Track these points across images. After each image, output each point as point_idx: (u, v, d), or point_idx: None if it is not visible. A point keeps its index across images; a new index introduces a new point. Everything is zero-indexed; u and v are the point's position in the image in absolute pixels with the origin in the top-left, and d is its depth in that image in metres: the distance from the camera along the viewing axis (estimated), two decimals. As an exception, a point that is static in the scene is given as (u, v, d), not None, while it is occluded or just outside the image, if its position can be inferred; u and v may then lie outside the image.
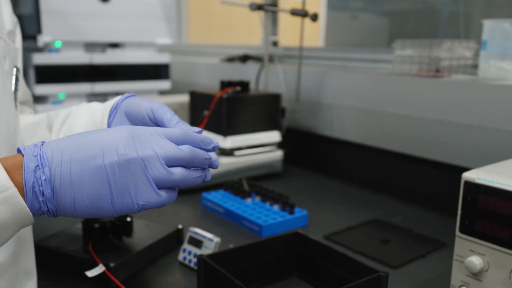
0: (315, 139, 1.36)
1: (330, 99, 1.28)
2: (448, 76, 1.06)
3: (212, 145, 0.51)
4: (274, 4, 1.30)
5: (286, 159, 1.36)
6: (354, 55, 1.43)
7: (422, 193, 1.08)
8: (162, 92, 1.73)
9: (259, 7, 1.26)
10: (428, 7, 1.44)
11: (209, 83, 1.74)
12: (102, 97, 1.60)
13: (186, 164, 0.48)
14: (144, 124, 0.63)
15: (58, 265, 0.74)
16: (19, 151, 0.44)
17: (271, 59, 1.43)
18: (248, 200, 1.01)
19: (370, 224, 0.96)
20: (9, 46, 0.60)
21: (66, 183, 0.43)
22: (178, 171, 0.47)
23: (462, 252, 0.64)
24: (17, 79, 0.63)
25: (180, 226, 0.84)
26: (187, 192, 1.12)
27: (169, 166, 0.46)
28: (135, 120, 0.64)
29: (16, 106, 0.62)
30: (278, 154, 1.27)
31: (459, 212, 0.64)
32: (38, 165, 0.43)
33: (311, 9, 1.23)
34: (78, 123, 0.69)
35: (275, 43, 1.70)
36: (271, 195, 0.99)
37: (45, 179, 0.42)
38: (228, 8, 2.66)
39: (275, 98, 1.25)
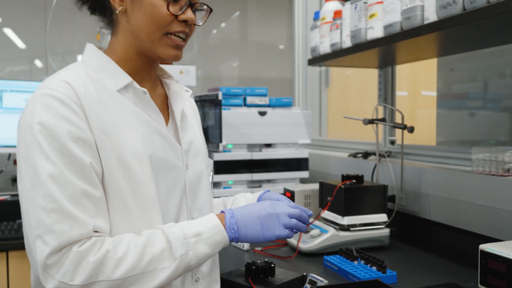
0: (416, 220, 1.72)
1: (427, 190, 1.65)
2: (515, 175, 1.38)
3: (309, 213, 1.04)
4: (383, 119, 1.75)
5: (395, 235, 1.74)
6: (451, 154, 1.78)
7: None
8: (302, 180, 2.24)
9: (370, 122, 1.72)
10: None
11: (339, 173, 2.20)
12: (258, 183, 2.17)
13: (297, 218, 1.00)
14: None
15: (231, 289, 1.25)
16: (222, 212, 0.99)
17: (383, 155, 1.86)
18: (355, 262, 1.42)
19: (445, 286, 1.30)
20: (208, 161, 1.17)
21: (243, 224, 0.97)
22: (294, 220, 0.99)
23: (482, 298, 0.99)
24: (212, 177, 1.19)
25: (304, 273, 1.30)
26: (316, 255, 1.57)
27: (290, 217, 0.98)
28: None
29: (212, 193, 1.18)
30: (386, 231, 1.65)
31: (479, 270, 0.99)
32: (231, 216, 0.97)
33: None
34: (241, 205, 1.24)
35: (392, 142, 2.12)
36: (371, 259, 1.39)
37: (234, 222, 0.97)
38: (362, 107, 3.15)
39: (382, 188, 1.67)
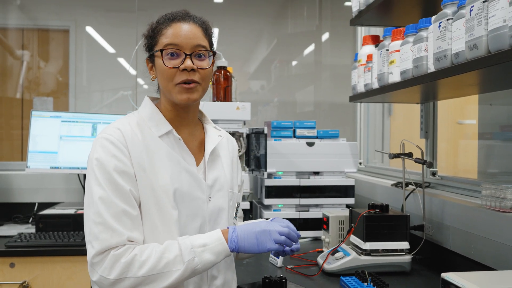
0: (440, 249, 1.82)
1: (447, 221, 1.76)
2: (518, 212, 1.46)
3: (298, 233, 1.26)
4: (409, 154, 1.89)
5: (421, 262, 1.86)
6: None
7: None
8: (348, 205, 2.42)
9: (395, 156, 1.87)
10: None
11: (382, 201, 2.34)
12: (305, 207, 2.38)
13: (286, 236, 1.23)
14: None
15: (247, 298, 1.50)
16: (228, 227, 1.25)
17: (419, 186, 1.98)
18: (365, 284, 1.59)
19: (440, 310, 1.42)
20: (235, 195, 1.44)
21: (242, 238, 1.22)
22: (283, 237, 1.22)
23: (442, 320, 1.13)
24: (236, 210, 1.45)
25: (312, 289, 1.51)
26: (337, 275, 1.76)
27: (280, 235, 1.21)
28: None
29: (234, 223, 1.43)
30: (407, 258, 1.79)
31: (440, 295, 1.14)
32: (233, 231, 1.23)
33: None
34: None
35: (434, 174, 2.22)
36: (379, 282, 1.56)
37: (235, 236, 1.22)
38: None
39: (404, 218, 1.81)
